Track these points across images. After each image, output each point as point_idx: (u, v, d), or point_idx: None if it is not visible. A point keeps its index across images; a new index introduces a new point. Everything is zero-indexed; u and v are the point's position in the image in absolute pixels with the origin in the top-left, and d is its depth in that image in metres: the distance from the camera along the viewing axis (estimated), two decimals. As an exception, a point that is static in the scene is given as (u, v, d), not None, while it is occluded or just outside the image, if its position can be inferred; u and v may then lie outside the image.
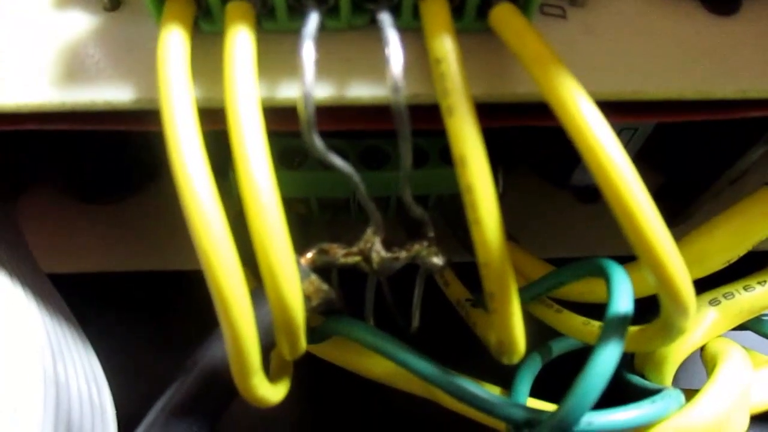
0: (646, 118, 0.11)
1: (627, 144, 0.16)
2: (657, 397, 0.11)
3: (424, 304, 0.14)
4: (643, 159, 0.17)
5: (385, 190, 0.15)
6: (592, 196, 0.19)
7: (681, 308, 0.10)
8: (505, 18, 0.10)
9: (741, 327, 0.16)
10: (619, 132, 0.16)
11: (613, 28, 0.11)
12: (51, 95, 0.10)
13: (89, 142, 0.16)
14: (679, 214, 0.17)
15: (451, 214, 0.17)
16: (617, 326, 0.10)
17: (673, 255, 0.09)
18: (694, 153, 0.16)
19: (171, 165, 0.09)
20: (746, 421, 0.12)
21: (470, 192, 0.09)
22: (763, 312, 0.14)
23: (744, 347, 0.15)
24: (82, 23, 0.11)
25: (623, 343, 0.10)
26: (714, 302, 0.14)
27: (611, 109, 0.11)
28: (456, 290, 0.15)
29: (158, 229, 0.18)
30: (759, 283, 0.14)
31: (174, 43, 0.10)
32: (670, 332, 0.11)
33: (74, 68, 0.10)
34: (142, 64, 0.10)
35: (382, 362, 0.14)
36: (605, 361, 0.09)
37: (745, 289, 0.14)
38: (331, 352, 0.14)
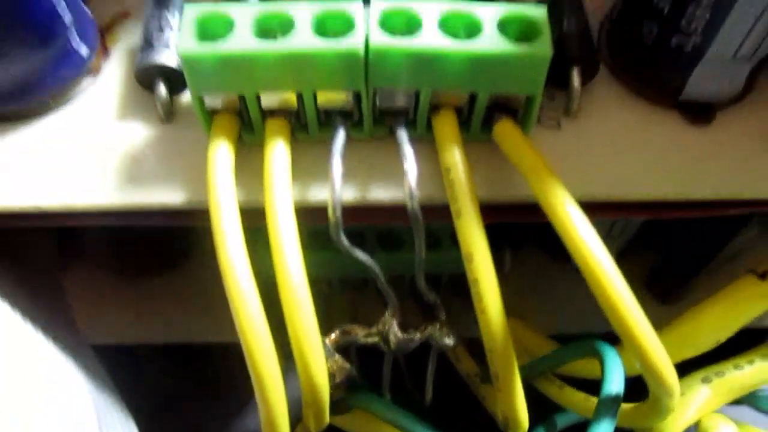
0: (634, 215, 0.13)
1: (622, 230, 0.17)
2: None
3: (438, 378, 0.15)
4: (639, 241, 0.18)
5: (401, 270, 0.16)
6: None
7: (664, 389, 0.11)
8: (505, 132, 0.12)
9: (737, 402, 0.17)
10: (614, 220, 0.17)
11: (602, 137, 0.13)
12: (113, 198, 0.12)
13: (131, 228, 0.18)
14: (675, 293, 0.18)
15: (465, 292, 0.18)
16: (609, 404, 0.11)
17: (654, 342, 0.10)
18: (688, 237, 0.17)
19: (218, 258, 0.11)
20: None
21: (476, 285, 0.11)
22: (752, 389, 0.15)
23: (739, 422, 0.16)
24: (141, 134, 0.12)
25: (615, 419, 0.11)
26: (706, 380, 0.15)
27: (602, 207, 0.12)
28: (467, 366, 0.16)
29: (188, 305, 0.19)
30: (748, 362, 0.15)
31: (221, 153, 0.11)
32: (660, 410, 0.12)
33: (133, 173, 0.12)
34: (193, 169, 0.12)
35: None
36: (598, 437, 0.10)
37: (735, 367, 0.15)
38: (351, 423, 0.15)
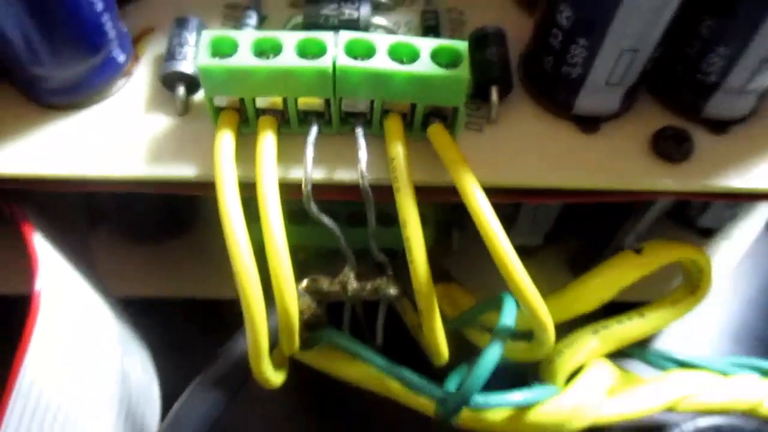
0: (535, 200, 0.17)
1: (545, 217, 0.21)
2: (535, 388, 0.16)
3: (390, 328, 0.19)
4: (561, 230, 0.23)
5: (364, 242, 0.20)
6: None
7: (539, 323, 0.15)
8: (436, 133, 0.16)
9: (630, 356, 0.21)
10: (537, 206, 0.21)
11: (514, 139, 0.17)
12: (141, 170, 0.16)
13: (147, 199, 0.22)
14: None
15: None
16: (502, 334, 0.15)
17: (531, 287, 0.14)
18: (595, 224, 0.22)
19: (221, 220, 0.15)
20: (599, 408, 0.17)
21: (408, 242, 0.15)
22: (630, 340, 0.19)
23: (630, 371, 0.20)
24: (163, 123, 0.16)
25: (504, 344, 0.15)
26: (595, 332, 0.19)
27: (511, 193, 0.16)
28: (411, 318, 0.20)
29: (192, 266, 0.23)
30: (628, 318, 0.19)
31: (225, 140, 0.15)
32: (541, 343, 0.16)
33: (156, 153, 0.16)
34: (203, 151, 0.16)
35: (352, 367, 0.19)
36: (491, 354, 0.15)
37: (618, 322, 0.19)
38: (314, 358, 0.19)
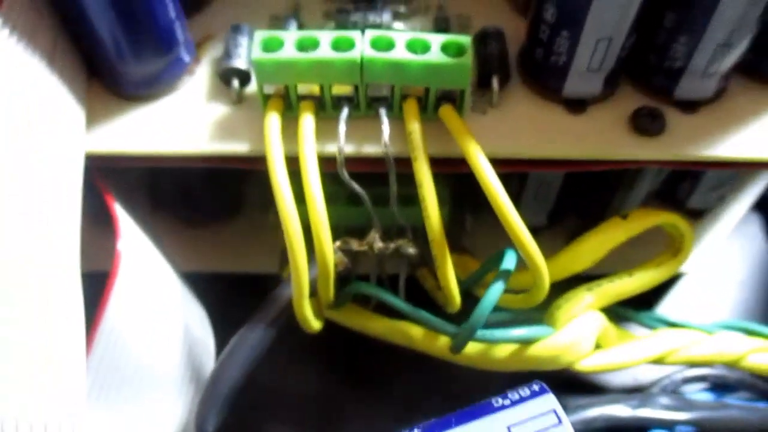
0: (531, 169, 0.20)
1: (545, 194, 0.24)
2: (533, 326, 0.19)
3: (410, 294, 0.22)
4: (565, 209, 0.26)
5: (386, 221, 0.23)
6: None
7: (537, 272, 0.18)
8: (447, 113, 0.19)
9: (626, 319, 0.24)
10: (539, 184, 0.24)
11: (512, 120, 0.20)
12: (204, 147, 0.19)
13: (198, 188, 0.25)
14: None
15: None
16: (503, 276, 0.18)
17: (530, 240, 0.17)
18: (591, 200, 0.25)
19: (272, 188, 0.18)
20: (590, 349, 0.19)
21: (424, 201, 0.18)
22: (620, 297, 0.22)
23: (625, 329, 0.23)
24: (221, 110, 0.20)
25: (504, 285, 0.18)
26: (589, 289, 0.21)
27: (507, 162, 0.19)
28: (431, 284, 0.23)
29: (239, 247, 0.27)
30: (618, 278, 0.21)
31: (273, 121, 0.19)
32: (538, 289, 0.19)
33: (216, 133, 0.19)
34: (254, 132, 0.19)
35: (377, 322, 0.22)
36: (494, 290, 0.17)
37: (609, 281, 0.21)
38: (345, 316, 0.22)
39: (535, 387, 0.15)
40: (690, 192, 0.25)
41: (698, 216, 0.27)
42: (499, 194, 0.17)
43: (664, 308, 0.28)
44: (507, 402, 0.15)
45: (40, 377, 0.13)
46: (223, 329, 0.22)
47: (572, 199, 0.25)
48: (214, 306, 0.25)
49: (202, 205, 0.26)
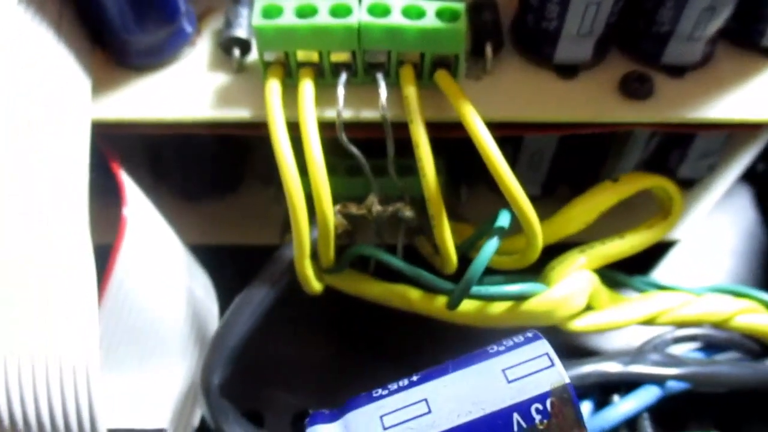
0: (529, 132, 0.21)
1: (538, 164, 0.25)
2: (528, 283, 0.20)
3: (408, 258, 0.23)
4: (558, 179, 0.26)
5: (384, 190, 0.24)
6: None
7: (530, 229, 0.18)
8: (442, 77, 0.19)
9: (623, 286, 0.24)
10: (533, 153, 0.25)
11: (505, 85, 0.20)
12: (207, 113, 0.20)
13: (199, 162, 0.26)
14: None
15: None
16: (498, 233, 0.19)
17: (524, 198, 0.18)
18: (584, 169, 0.25)
19: (273, 150, 0.18)
20: (582, 304, 0.20)
21: (420, 161, 0.19)
22: (611, 259, 0.22)
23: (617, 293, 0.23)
24: (222, 78, 0.20)
25: (499, 241, 0.18)
26: (582, 251, 0.22)
27: (504, 127, 0.20)
28: (428, 250, 0.24)
29: (241, 220, 0.27)
30: (609, 240, 0.22)
31: (273, 87, 0.19)
32: (531, 251, 0.19)
33: (218, 100, 0.20)
34: (255, 99, 0.20)
35: (375, 286, 0.22)
36: (488, 247, 0.18)
37: (602, 243, 0.22)
38: (344, 282, 0.23)
39: (529, 334, 0.16)
40: (680, 161, 0.26)
41: (689, 185, 0.27)
42: (494, 152, 0.18)
43: (657, 276, 0.28)
44: (502, 348, 0.16)
45: (54, 321, 0.14)
46: (227, 301, 0.23)
47: (565, 169, 0.25)
48: (217, 277, 0.25)
49: (204, 179, 0.27)
